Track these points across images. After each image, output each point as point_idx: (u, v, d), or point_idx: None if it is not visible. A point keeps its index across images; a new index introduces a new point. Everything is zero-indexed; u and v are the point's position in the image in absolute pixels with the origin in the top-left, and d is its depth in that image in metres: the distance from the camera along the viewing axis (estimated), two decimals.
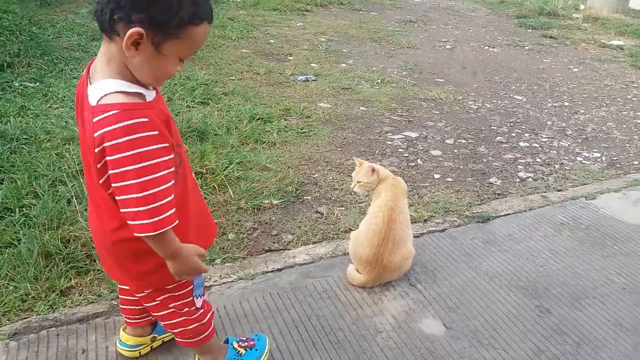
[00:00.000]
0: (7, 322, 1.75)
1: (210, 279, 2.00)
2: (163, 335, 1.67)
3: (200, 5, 1.09)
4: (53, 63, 4.50)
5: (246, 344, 1.59)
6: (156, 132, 1.10)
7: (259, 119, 3.63)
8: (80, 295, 1.90)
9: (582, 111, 4.40)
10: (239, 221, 2.46)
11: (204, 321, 1.47)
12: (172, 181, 1.15)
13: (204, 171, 2.79)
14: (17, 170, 2.68)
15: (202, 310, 1.46)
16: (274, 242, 2.33)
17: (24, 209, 2.36)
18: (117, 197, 1.12)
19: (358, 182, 2.10)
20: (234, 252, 2.23)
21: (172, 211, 1.14)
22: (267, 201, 2.64)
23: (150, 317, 1.61)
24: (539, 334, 1.84)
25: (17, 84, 3.96)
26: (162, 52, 1.10)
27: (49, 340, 1.65)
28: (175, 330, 1.46)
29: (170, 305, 1.40)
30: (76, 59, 4.66)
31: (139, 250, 1.24)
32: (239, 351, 1.57)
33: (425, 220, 2.55)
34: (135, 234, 1.13)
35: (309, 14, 7.65)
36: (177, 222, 1.15)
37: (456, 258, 2.24)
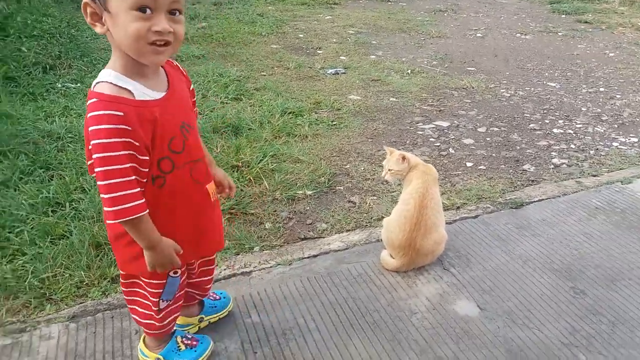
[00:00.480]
0: (65, 306, 1.88)
1: (250, 264, 2.10)
2: (210, 317, 1.76)
3: None
4: (92, 64, 4.68)
5: (189, 342, 1.63)
6: (127, 127, 1.14)
7: (290, 112, 3.71)
8: None
9: (618, 96, 4.32)
10: (275, 211, 2.55)
11: (160, 323, 1.51)
12: (133, 176, 1.18)
13: (240, 164, 2.89)
14: (65, 167, 2.83)
15: (161, 315, 1.50)
16: (309, 231, 2.41)
17: (73, 203, 2.50)
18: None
19: (389, 170, 2.15)
20: (271, 240, 2.32)
21: (134, 203, 1.18)
22: (301, 192, 2.72)
23: (197, 298, 1.71)
24: (573, 314, 1.86)
25: (59, 85, 4.15)
26: (111, 10, 1.12)
27: (105, 321, 1.77)
28: (135, 317, 1.54)
29: (137, 290, 1.47)
30: None
31: (123, 232, 1.29)
32: (179, 346, 1.61)
33: (458, 208, 2.58)
34: (105, 221, 1.22)
35: (337, 6, 7.70)
36: (141, 214, 1.19)
37: (489, 243, 2.27)
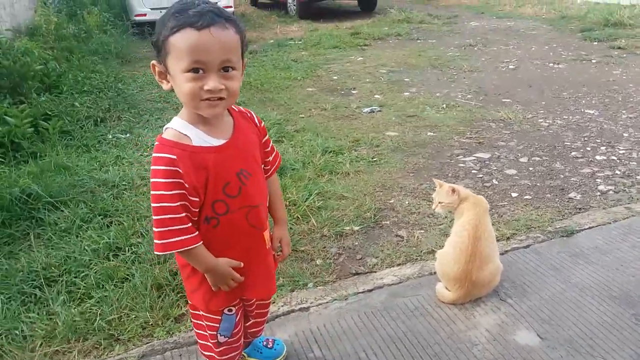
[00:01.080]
0: (132, 346, 1.96)
1: (306, 300, 2.14)
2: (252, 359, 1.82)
3: (178, 18, 1.20)
4: (139, 115, 4.94)
5: None
6: (177, 169, 1.26)
7: (330, 151, 3.80)
8: (191, 322, 2.09)
9: None
10: (324, 247, 2.60)
11: (219, 357, 1.58)
12: (184, 213, 1.28)
13: (287, 203, 2.97)
14: (121, 214, 2.97)
15: (220, 349, 1.57)
16: (359, 266, 2.44)
17: (132, 247, 2.61)
18: None
19: (439, 202, 2.19)
20: (324, 276, 2.36)
21: (180, 238, 1.28)
22: (348, 228, 2.77)
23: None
24: (637, 341, 1.83)
25: (110, 136, 4.38)
26: (170, 72, 1.26)
27: (174, 359, 1.83)
28: (200, 349, 1.64)
29: (200, 322, 1.56)
30: (159, 110, 5.09)
31: (182, 266, 1.45)
32: None
33: (508, 238, 2.58)
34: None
35: (368, 48, 7.90)
36: (188, 248, 1.30)
37: (544, 272, 2.26)
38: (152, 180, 1.28)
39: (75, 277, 2.40)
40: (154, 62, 1.29)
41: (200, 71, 1.22)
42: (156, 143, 1.29)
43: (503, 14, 10.75)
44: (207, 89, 1.23)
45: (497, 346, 1.84)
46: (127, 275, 2.39)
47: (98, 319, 2.10)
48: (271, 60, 7.08)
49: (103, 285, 2.32)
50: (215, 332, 1.54)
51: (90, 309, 2.17)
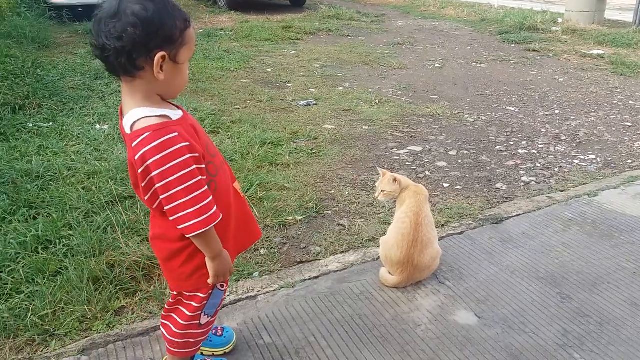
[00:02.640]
0: (70, 341, 1.87)
1: (253, 289, 2.14)
2: (203, 348, 1.78)
3: (181, 11, 1.28)
4: (62, 103, 4.66)
5: None
6: (187, 144, 1.26)
7: (269, 143, 3.79)
8: (133, 314, 2.02)
9: (572, 117, 4.63)
10: (268, 237, 2.60)
11: (195, 340, 1.57)
12: (206, 186, 1.30)
13: None
14: (48, 206, 2.81)
15: (202, 330, 1.56)
16: (304, 254, 2.47)
17: (63, 240, 2.47)
18: (166, 207, 1.28)
19: (382, 191, 2.26)
20: (269, 265, 2.37)
21: (215, 209, 1.31)
22: (291, 218, 2.79)
23: None
24: (563, 317, 1.99)
25: (31, 125, 4.10)
26: (179, 62, 1.28)
27: (117, 352, 1.77)
28: (167, 336, 1.56)
29: (179, 307, 1.52)
30: (84, 98, 4.83)
31: (177, 251, 1.41)
32: None
33: (443, 225, 2.71)
34: (187, 235, 1.31)
35: (300, 42, 7.92)
36: (220, 219, 1.33)
37: (478, 256, 2.40)
38: (163, 168, 1.23)
39: (0, 272, 2.24)
40: (163, 53, 1.23)
41: None
42: (144, 135, 1.23)
43: (428, 15, 11.16)
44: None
45: (439, 326, 1.94)
46: (60, 268, 2.27)
47: (30, 314, 1.98)
48: (202, 50, 6.91)
49: (33, 279, 2.19)
50: (199, 313, 1.52)
51: (20, 305, 2.04)
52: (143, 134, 1.23)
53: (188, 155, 1.26)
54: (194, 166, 1.27)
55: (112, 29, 1.19)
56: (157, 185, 1.26)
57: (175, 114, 1.32)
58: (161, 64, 1.24)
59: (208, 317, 1.55)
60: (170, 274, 1.47)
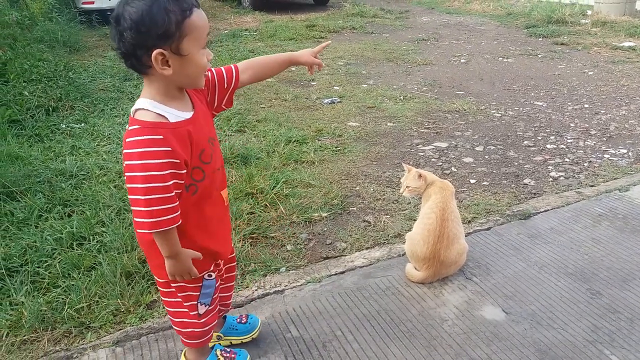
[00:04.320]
0: (105, 333, 1.93)
1: (281, 284, 2.17)
2: (230, 337, 1.83)
3: (179, 1, 1.27)
4: (93, 104, 4.79)
5: (228, 354, 1.72)
6: (168, 149, 1.29)
7: (294, 141, 3.83)
8: (164, 308, 2.07)
9: (602, 111, 4.53)
10: (294, 234, 2.63)
11: (201, 329, 1.60)
12: (174, 192, 1.31)
13: (254, 191, 2.98)
14: (82, 203, 2.90)
15: (203, 320, 1.58)
16: (330, 250, 2.49)
17: (96, 236, 2.55)
18: (129, 197, 1.32)
19: (407, 187, 2.27)
20: (295, 260, 2.40)
21: (171, 216, 1.31)
22: (316, 214, 2.81)
23: (222, 310, 1.79)
24: (593, 313, 1.97)
25: (63, 126, 4.24)
26: (184, 54, 1.29)
27: (150, 344, 1.83)
28: (175, 327, 1.62)
29: (179, 295, 1.54)
30: (114, 99, 4.95)
31: (152, 242, 1.40)
32: (219, 359, 1.70)
33: (469, 222, 2.69)
34: (136, 230, 1.34)
35: (323, 40, 7.90)
36: (174, 225, 1.33)
37: (505, 252, 2.38)
38: (135, 162, 1.27)
39: (38, 267, 2.33)
40: (160, 51, 1.26)
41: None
42: (134, 127, 1.30)
43: (453, 10, 11.05)
44: (209, 59, 1.36)
45: (466, 321, 1.94)
46: (94, 263, 2.34)
47: (66, 307, 2.05)
48: (227, 50, 7.00)
49: (69, 274, 2.27)
50: (195, 302, 1.55)
51: (57, 298, 2.12)
52: (134, 125, 1.30)
53: (164, 160, 1.29)
54: (168, 171, 1.29)
55: (117, 34, 1.28)
56: (125, 175, 1.31)
57: (178, 116, 1.36)
58: (166, 60, 1.28)
59: (205, 306, 1.57)
60: (152, 258, 1.51)
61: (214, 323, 1.65)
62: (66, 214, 2.79)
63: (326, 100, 4.90)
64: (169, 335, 1.86)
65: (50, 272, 2.28)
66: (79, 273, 2.26)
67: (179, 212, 1.35)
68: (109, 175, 3.27)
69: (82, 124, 4.30)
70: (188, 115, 1.39)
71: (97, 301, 2.10)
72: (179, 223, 1.35)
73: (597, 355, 1.78)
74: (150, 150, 1.28)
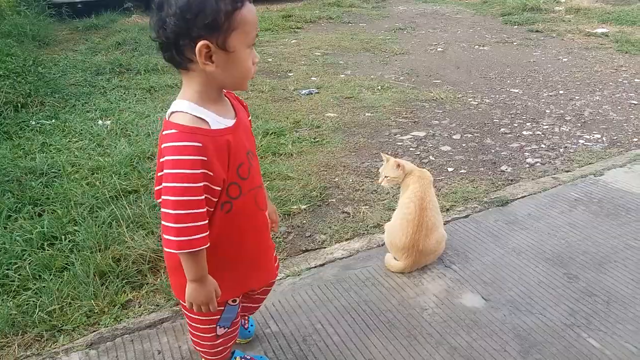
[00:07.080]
0: (78, 336, 1.88)
1: None
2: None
3: None
4: (64, 100, 4.66)
5: None
6: (204, 158, 1.17)
7: (272, 133, 3.78)
8: (140, 307, 2.03)
9: (577, 97, 4.58)
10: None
11: (214, 350, 1.51)
12: (205, 208, 1.19)
13: None
14: (53, 202, 2.81)
15: (219, 341, 1.49)
16: (309, 243, 2.47)
17: (68, 236, 2.48)
18: (161, 209, 1.20)
19: (386, 177, 2.25)
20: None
21: (199, 235, 1.18)
22: (295, 207, 2.78)
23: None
24: (570, 297, 1.98)
25: (33, 122, 4.11)
26: (230, 50, 1.16)
27: (125, 345, 1.78)
28: (193, 339, 1.52)
29: (196, 316, 1.42)
30: (85, 94, 4.82)
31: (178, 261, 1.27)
32: None
33: (448, 210, 2.69)
34: (164, 248, 1.21)
35: (300, 30, 7.87)
36: (202, 248, 1.20)
37: (483, 239, 2.39)
38: (171, 171, 1.16)
39: (7, 269, 2.25)
40: (206, 42, 1.13)
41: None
42: (171, 130, 1.17)
43: None
44: (255, 61, 1.24)
45: (446, 309, 1.93)
46: (66, 264, 2.27)
47: (37, 310, 1.99)
48: None
49: (40, 275, 2.20)
50: (214, 325, 1.45)
51: (27, 301, 2.05)
52: (172, 129, 1.18)
53: (200, 171, 1.17)
54: (202, 183, 1.18)
55: (158, 21, 1.15)
56: (163, 185, 1.19)
57: (220, 122, 1.23)
58: (210, 54, 1.15)
59: (224, 329, 1.48)
60: (177, 282, 1.37)
61: (232, 343, 1.56)
62: (36, 214, 2.71)
63: (304, 92, 4.85)
64: (144, 335, 1.82)
65: (20, 275, 2.20)
66: (50, 274, 2.19)
67: (207, 233, 1.21)
68: (81, 172, 3.19)
69: (53, 120, 4.18)
70: (230, 122, 1.25)
71: (70, 303, 2.04)
72: (207, 245, 1.22)
73: (575, 338, 1.79)
74: (189, 158, 1.15)
